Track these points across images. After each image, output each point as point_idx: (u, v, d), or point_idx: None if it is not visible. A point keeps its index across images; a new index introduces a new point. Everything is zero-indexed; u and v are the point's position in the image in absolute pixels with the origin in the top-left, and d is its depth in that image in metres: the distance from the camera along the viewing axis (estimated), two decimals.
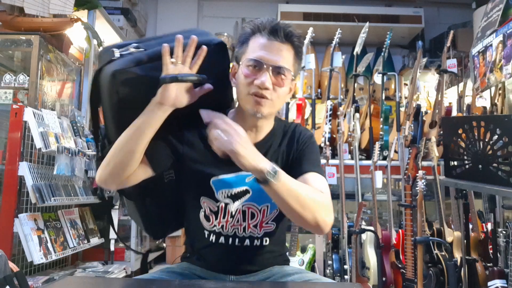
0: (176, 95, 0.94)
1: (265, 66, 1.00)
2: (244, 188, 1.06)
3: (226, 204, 1.07)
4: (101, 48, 1.08)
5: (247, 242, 1.08)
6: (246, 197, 1.07)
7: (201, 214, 1.09)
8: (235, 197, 1.07)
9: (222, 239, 1.08)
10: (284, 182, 0.91)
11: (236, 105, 1.13)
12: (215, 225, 1.08)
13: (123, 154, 0.95)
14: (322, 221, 0.94)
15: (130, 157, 0.95)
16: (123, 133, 0.95)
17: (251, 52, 1.03)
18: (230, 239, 1.08)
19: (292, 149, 1.11)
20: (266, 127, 1.11)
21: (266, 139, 1.11)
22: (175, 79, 0.93)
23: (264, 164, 0.90)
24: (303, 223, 0.95)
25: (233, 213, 1.07)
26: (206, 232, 1.10)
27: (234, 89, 1.12)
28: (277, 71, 1.01)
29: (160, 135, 0.99)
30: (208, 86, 1.00)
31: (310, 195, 0.94)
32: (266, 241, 1.10)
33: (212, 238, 1.09)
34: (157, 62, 0.95)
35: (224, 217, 1.07)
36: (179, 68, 0.94)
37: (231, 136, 0.91)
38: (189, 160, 1.08)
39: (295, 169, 1.05)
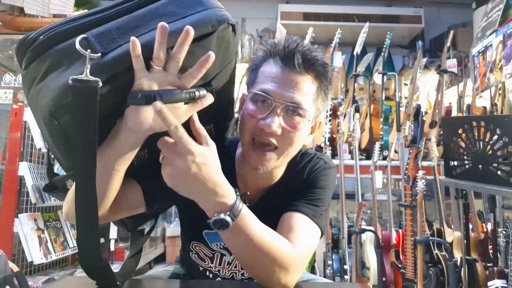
0: (154, 118, 0.63)
1: (274, 103, 0.77)
2: None
3: (222, 255, 0.95)
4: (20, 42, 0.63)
5: (245, 281, 0.98)
6: None
7: (193, 256, 0.97)
8: None
9: (219, 279, 0.98)
10: (238, 234, 0.70)
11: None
12: (210, 267, 0.97)
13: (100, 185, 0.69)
14: (278, 285, 0.74)
15: (100, 198, 0.67)
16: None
17: (259, 83, 0.81)
18: (227, 279, 0.98)
19: (299, 187, 0.90)
20: (278, 173, 0.90)
21: (274, 185, 0.91)
22: (151, 99, 0.60)
23: (210, 209, 0.68)
24: (254, 278, 0.77)
25: (230, 261, 0.95)
26: (201, 268, 0.99)
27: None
28: (290, 110, 0.79)
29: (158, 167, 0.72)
30: (208, 100, 0.69)
31: (273, 255, 0.72)
32: None
33: (209, 274, 0.98)
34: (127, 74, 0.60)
35: (220, 264, 0.96)
36: (160, 77, 0.61)
37: (171, 167, 0.65)
38: (182, 204, 0.93)
39: (289, 203, 0.86)
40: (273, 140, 0.79)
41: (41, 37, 0.61)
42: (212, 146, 0.69)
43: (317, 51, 0.82)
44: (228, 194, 0.69)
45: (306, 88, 0.79)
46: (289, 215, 0.83)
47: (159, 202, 0.84)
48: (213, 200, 0.68)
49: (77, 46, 0.57)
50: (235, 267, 0.96)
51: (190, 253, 0.97)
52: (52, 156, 0.77)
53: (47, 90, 0.59)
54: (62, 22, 0.63)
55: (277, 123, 0.77)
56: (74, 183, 0.63)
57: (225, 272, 0.96)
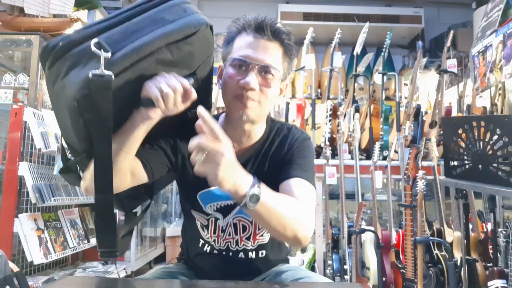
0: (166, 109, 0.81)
1: (250, 65, 0.94)
2: (233, 201, 1.00)
3: (216, 219, 1.04)
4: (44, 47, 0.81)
5: (241, 255, 1.06)
6: (236, 210, 1.03)
7: (198, 223, 1.07)
8: (224, 210, 1.03)
9: (215, 251, 1.07)
10: (264, 204, 0.81)
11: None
12: (208, 237, 1.07)
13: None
14: (303, 238, 0.88)
15: (116, 173, 0.82)
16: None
17: (236, 51, 0.97)
18: (224, 252, 1.06)
19: (282, 153, 1.03)
20: (257, 131, 1.04)
21: (256, 145, 1.04)
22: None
23: (244, 188, 0.78)
24: (283, 239, 0.91)
25: (224, 228, 1.04)
26: (201, 241, 1.08)
27: (220, 92, 1.04)
28: (264, 70, 0.95)
29: (157, 142, 0.96)
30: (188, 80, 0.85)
31: (291, 213, 0.85)
32: (262, 253, 1.08)
33: (207, 248, 1.08)
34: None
35: (214, 232, 1.05)
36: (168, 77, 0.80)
37: (213, 161, 0.75)
38: (180, 172, 1.04)
39: (282, 174, 0.98)
40: (252, 95, 0.94)
41: (60, 42, 0.76)
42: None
43: (280, 23, 0.99)
44: (248, 173, 0.82)
45: (275, 52, 0.97)
46: (287, 182, 0.95)
47: (158, 172, 0.98)
48: (243, 177, 0.80)
49: (93, 48, 0.72)
50: (229, 235, 1.04)
51: (195, 220, 1.06)
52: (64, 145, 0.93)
53: (72, 84, 0.74)
54: (76, 31, 0.80)
55: (255, 81, 0.93)
56: (93, 160, 0.78)
57: (220, 242, 1.05)
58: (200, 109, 0.75)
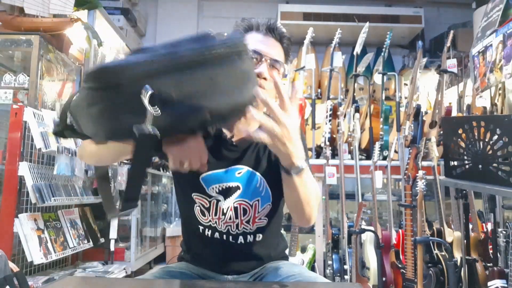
0: None
1: (263, 58, 1.03)
2: (235, 184, 1.07)
3: (217, 201, 1.08)
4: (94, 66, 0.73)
5: (240, 239, 1.10)
6: (237, 194, 1.07)
7: (197, 209, 1.10)
8: (226, 193, 1.07)
9: (217, 235, 1.09)
10: (302, 178, 0.89)
11: None
12: (210, 220, 1.09)
13: (110, 155, 0.91)
14: (313, 218, 0.99)
15: (117, 157, 0.95)
16: (110, 146, 0.80)
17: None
18: (224, 236, 1.09)
19: None
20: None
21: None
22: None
23: (297, 159, 0.85)
24: (299, 215, 0.97)
25: (225, 211, 1.08)
26: (201, 228, 1.11)
27: None
28: (274, 64, 1.04)
29: None
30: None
31: (314, 194, 0.95)
32: (259, 236, 1.11)
33: (208, 233, 1.10)
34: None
35: (216, 215, 1.08)
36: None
37: (288, 125, 0.79)
38: None
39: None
40: (264, 84, 1.01)
41: (108, 75, 0.68)
42: None
43: (281, 24, 1.11)
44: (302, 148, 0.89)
45: (279, 51, 1.07)
46: None
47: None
48: (300, 150, 0.84)
49: (145, 102, 0.65)
50: (230, 219, 1.08)
51: (194, 205, 1.09)
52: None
53: (115, 126, 0.70)
54: (128, 62, 0.69)
55: (267, 71, 1.02)
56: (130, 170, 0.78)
57: (221, 226, 1.08)
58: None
